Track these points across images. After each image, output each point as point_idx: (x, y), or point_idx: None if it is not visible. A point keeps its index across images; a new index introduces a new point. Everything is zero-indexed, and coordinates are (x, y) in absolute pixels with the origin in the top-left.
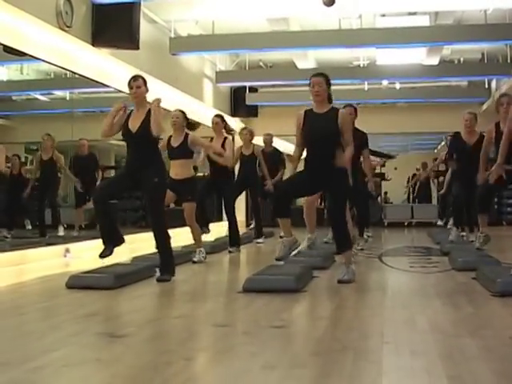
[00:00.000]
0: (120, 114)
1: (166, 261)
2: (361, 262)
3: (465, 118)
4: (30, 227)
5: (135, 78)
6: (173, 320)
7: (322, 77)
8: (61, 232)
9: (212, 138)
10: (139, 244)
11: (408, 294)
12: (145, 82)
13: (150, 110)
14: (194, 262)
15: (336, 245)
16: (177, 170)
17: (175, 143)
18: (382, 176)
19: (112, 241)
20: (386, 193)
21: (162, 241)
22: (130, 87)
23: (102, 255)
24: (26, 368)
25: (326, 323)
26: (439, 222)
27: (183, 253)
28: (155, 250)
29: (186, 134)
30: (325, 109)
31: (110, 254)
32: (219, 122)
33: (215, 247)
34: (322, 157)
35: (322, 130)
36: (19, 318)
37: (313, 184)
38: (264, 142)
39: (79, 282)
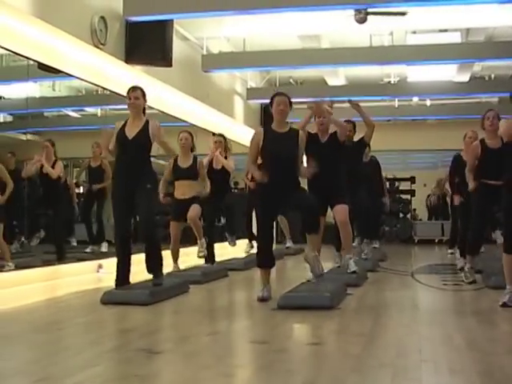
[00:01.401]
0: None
1: (157, 264)
2: (393, 279)
3: (468, 136)
4: (75, 244)
5: (134, 88)
6: (210, 336)
7: (286, 97)
8: (104, 248)
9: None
10: (170, 261)
11: (442, 312)
12: (143, 94)
13: (147, 122)
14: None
15: (308, 225)
16: (184, 189)
17: (184, 164)
18: (412, 193)
19: (123, 282)
20: (414, 209)
21: (154, 245)
22: (128, 97)
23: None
24: (66, 383)
25: (363, 340)
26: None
27: (215, 270)
28: (183, 266)
29: (195, 157)
30: (285, 128)
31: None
32: (222, 141)
33: (247, 263)
34: (282, 175)
35: (284, 149)
36: (57, 333)
37: (277, 202)
38: None
39: (114, 298)
